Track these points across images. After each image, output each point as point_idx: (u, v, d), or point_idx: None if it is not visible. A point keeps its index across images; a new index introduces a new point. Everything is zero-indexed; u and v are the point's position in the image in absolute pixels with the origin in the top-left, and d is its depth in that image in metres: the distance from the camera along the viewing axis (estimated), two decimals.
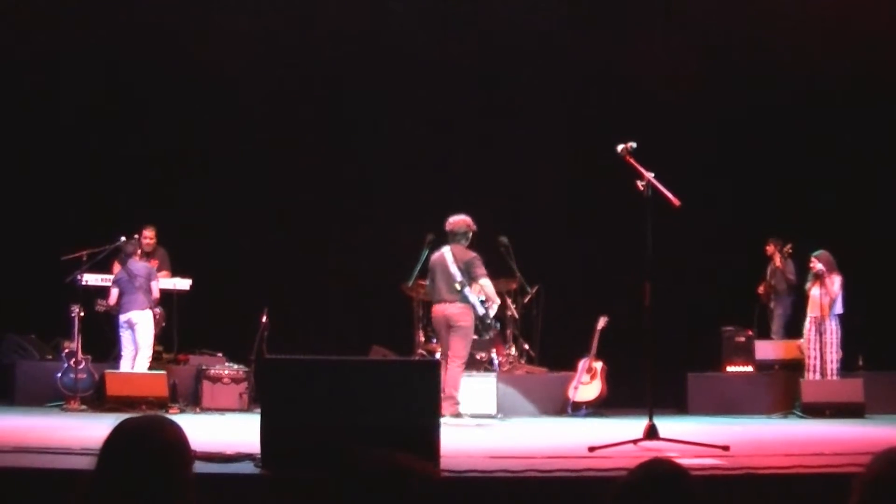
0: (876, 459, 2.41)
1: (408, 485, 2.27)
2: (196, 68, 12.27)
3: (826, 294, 10.64)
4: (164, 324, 11.22)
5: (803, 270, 11.36)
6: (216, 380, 10.56)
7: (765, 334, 12.14)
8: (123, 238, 10.73)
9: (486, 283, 9.33)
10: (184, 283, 11.48)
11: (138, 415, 2.64)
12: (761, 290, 12.30)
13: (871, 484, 2.35)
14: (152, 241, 11.52)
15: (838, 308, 10.74)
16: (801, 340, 11.06)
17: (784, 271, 11.90)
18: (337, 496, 2.28)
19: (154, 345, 10.77)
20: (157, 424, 2.52)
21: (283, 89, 12.82)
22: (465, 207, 12.34)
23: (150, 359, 10.66)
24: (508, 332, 11.46)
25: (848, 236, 11.36)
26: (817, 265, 10.73)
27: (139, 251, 10.99)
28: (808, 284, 10.95)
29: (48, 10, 12.16)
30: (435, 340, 11.20)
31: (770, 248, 12.21)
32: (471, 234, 9.57)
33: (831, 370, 10.63)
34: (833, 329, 10.68)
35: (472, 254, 9.47)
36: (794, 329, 11.54)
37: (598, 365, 10.83)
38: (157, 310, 10.92)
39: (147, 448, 2.42)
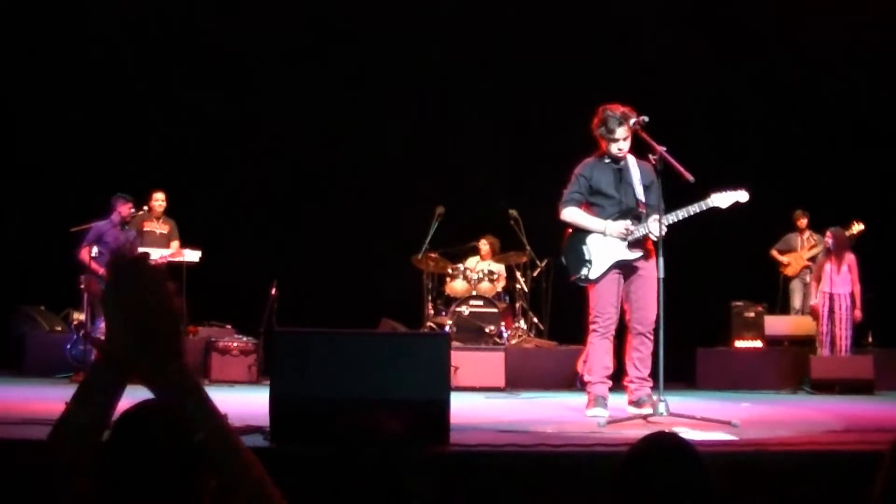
0: None
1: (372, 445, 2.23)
2: (205, 43, 12.25)
3: (841, 271, 10.69)
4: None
5: None
6: (225, 352, 10.55)
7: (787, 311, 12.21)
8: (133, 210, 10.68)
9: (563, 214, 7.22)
10: (193, 255, 10.87)
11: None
12: (791, 262, 12.23)
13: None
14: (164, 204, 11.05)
15: (851, 286, 10.77)
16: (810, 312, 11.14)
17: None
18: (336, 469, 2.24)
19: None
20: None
21: (291, 61, 12.77)
22: (475, 179, 12.25)
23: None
24: (518, 305, 11.46)
25: (859, 211, 11.30)
26: (829, 241, 10.75)
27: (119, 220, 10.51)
28: (820, 258, 10.95)
29: None
30: (444, 313, 11.18)
31: (805, 220, 12.15)
32: (601, 131, 7.02)
33: (844, 346, 10.65)
34: (847, 305, 10.70)
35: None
36: None
37: None
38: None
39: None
